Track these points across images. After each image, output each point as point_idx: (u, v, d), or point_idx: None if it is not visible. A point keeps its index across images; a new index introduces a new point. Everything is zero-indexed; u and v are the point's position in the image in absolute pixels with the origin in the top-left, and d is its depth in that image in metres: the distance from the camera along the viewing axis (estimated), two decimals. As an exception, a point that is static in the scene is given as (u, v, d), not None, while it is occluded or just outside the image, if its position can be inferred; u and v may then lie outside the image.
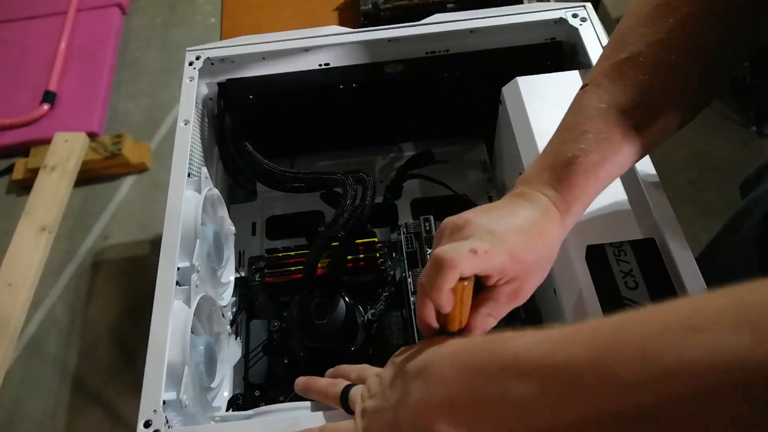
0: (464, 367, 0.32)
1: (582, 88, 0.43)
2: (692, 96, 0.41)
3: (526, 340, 0.29)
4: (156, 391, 0.43)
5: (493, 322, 0.39)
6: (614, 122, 0.40)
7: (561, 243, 0.40)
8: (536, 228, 0.38)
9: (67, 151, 1.39)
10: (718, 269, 0.60)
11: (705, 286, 0.45)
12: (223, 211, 0.64)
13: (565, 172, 0.39)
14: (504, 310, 0.39)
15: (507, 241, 0.36)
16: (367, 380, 0.41)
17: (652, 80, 0.40)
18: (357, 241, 0.62)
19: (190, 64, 0.65)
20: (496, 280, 0.37)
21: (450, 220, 0.39)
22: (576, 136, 0.40)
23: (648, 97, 0.40)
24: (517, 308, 0.57)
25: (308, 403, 0.47)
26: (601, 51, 0.61)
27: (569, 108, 0.43)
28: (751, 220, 0.57)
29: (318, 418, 0.42)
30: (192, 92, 0.63)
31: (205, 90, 0.67)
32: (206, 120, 0.67)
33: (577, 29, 0.64)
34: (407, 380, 0.35)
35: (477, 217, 0.38)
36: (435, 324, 0.38)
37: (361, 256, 0.62)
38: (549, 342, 0.28)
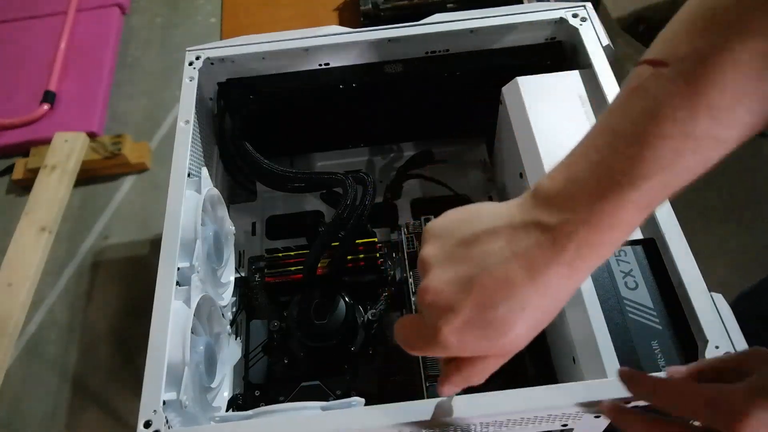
0: None
1: (652, 64, 0.29)
2: None
3: None
4: (156, 391, 0.43)
5: (469, 384, 0.34)
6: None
7: (569, 298, 0.32)
8: (544, 296, 0.30)
9: (67, 151, 1.39)
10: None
11: (705, 286, 0.45)
12: (223, 211, 0.64)
13: (616, 193, 0.29)
14: (486, 375, 0.33)
15: (508, 327, 0.30)
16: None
17: None
18: (357, 241, 0.62)
19: (190, 64, 0.65)
20: None
21: (437, 279, 0.31)
22: (641, 154, 0.28)
23: None
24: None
25: (308, 404, 0.47)
26: (601, 50, 0.61)
27: (629, 94, 0.29)
28: None
29: (318, 418, 0.42)
30: (192, 92, 0.63)
31: (205, 90, 0.67)
32: (206, 120, 0.67)
33: (577, 29, 0.64)
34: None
35: (474, 281, 0.30)
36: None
37: (361, 256, 0.62)
38: None
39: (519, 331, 0.30)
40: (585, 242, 0.29)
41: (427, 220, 0.65)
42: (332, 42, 0.65)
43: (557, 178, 0.31)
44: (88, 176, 1.45)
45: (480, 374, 0.33)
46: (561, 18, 0.65)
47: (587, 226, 0.29)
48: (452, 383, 0.34)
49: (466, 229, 0.32)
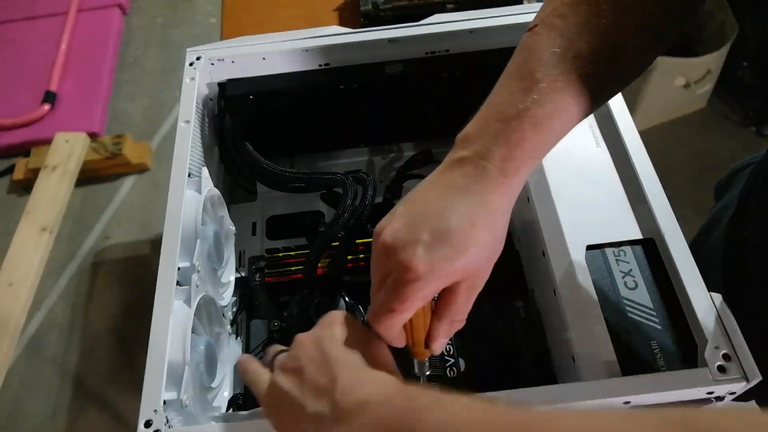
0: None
1: (530, 29, 0.38)
2: (656, 35, 0.37)
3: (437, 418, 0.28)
4: (156, 390, 0.44)
5: (460, 325, 0.38)
6: (570, 68, 0.35)
7: (510, 211, 0.37)
8: (487, 213, 0.35)
9: (67, 151, 1.40)
10: None
11: (705, 287, 0.45)
12: (223, 211, 0.65)
13: (517, 125, 0.35)
14: (466, 308, 0.37)
15: (463, 243, 0.34)
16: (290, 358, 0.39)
17: (613, 18, 0.35)
18: (357, 241, 0.62)
19: (191, 64, 0.65)
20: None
21: (390, 229, 0.36)
22: (527, 86, 0.35)
23: (607, 40, 0.35)
24: (517, 308, 0.57)
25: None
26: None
27: (516, 53, 0.38)
28: (718, 228, 0.56)
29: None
30: (192, 92, 0.63)
31: (205, 90, 0.67)
32: (206, 120, 0.67)
33: (577, 29, 0.64)
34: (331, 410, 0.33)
35: (422, 217, 0.35)
36: (404, 342, 0.38)
37: (361, 256, 0.62)
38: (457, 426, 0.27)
39: (476, 245, 0.34)
40: (502, 158, 0.35)
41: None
42: (332, 42, 0.66)
43: (470, 124, 0.37)
44: (88, 176, 1.46)
45: (460, 308, 0.37)
46: (561, 18, 0.65)
47: (498, 146, 0.35)
48: (440, 333, 0.38)
49: (409, 196, 0.38)
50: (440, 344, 0.38)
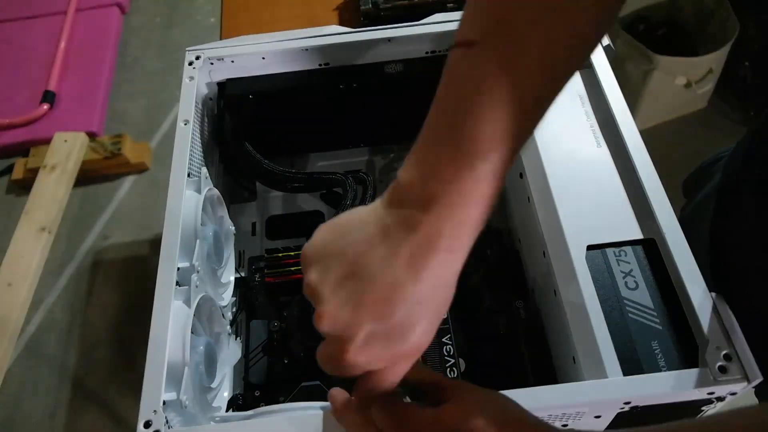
0: None
1: (464, 46, 0.30)
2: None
3: None
4: (156, 391, 0.43)
5: (393, 383, 0.34)
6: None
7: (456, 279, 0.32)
8: (436, 286, 0.31)
9: (66, 151, 1.40)
10: None
11: (705, 287, 0.45)
12: (223, 211, 0.64)
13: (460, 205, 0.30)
14: (404, 370, 0.34)
15: (409, 328, 0.31)
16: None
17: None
18: (357, 241, 0.62)
19: (190, 63, 0.65)
20: None
21: (328, 294, 0.32)
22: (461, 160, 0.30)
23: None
24: (517, 308, 0.57)
25: (308, 404, 0.47)
26: (601, 50, 0.61)
27: (445, 80, 0.31)
28: (700, 227, 0.55)
29: (318, 418, 0.42)
30: (192, 92, 0.63)
31: (204, 90, 0.67)
32: (206, 120, 0.67)
33: (577, 29, 0.64)
34: None
35: (361, 283, 0.31)
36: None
37: (361, 256, 0.62)
38: None
39: (422, 328, 0.31)
40: (455, 223, 0.30)
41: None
42: (332, 42, 0.65)
43: (413, 173, 0.31)
44: (87, 176, 1.45)
45: (395, 377, 0.34)
46: (561, 18, 0.65)
47: (452, 209, 0.30)
48: (371, 392, 0.34)
49: (342, 244, 0.32)
50: (369, 407, 0.35)
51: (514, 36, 0.29)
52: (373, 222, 0.32)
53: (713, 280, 0.46)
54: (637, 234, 0.49)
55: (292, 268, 0.63)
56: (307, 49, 0.66)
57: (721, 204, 0.54)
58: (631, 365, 0.43)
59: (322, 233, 0.34)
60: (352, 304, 0.31)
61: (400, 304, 0.30)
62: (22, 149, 1.50)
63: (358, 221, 0.33)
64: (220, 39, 0.80)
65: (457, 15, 0.66)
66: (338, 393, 0.38)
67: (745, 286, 0.49)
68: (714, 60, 1.31)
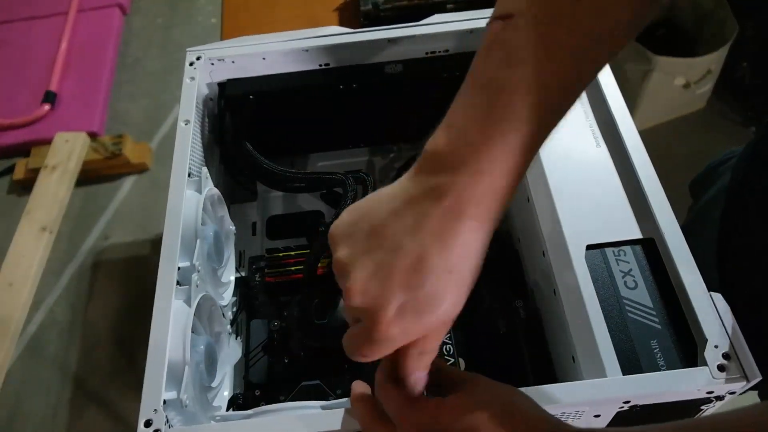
0: None
1: (502, 19, 0.31)
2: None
3: None
4: (156, 390, 0.44)
5: (430, 358, 0.34)
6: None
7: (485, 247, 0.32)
8: (464, 256, 0.30)
9: (67, 151, 1.40)
10: None
11: (704, 286, 0.45)
12: (223, 211, 0.65)
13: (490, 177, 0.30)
14: (437, 341, 0.34)
15: (440, 298, 0.30)
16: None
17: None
18: (357, 241, 0.62)
19: (191, 64, 0.65)
20: None
21: (358, 271, 0.31)
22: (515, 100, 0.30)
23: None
24: (517, 308, 0.57)
25: (308, 403, 0.47)
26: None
27: (484, 52, 0.31)
28: (708, 227, 0.55)
29: (318, 417, 0.42)
30: (192, 92, 0.63)
31: (205, 90, 0.67)
32: (206, 120, 0.67)
33: (576, 29, 0.64)
34: None
35: (390, 255, 0.30)
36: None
37: (361, 256, 0.62)
38: None
39: (452, 297, 0.30)
40: (483, 191, 0.30)
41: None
42: (332, 42, 0.66)
43: (442, 140, 0.31)
44: (88, 176, 1.46)
45: (429, 345, 0.33)
46: (561, 18, 0.65)
47: (481, 176, 0.29)
48: (411, 368, 0.33)
49: (371, 219, 0.32)
50: (416, 379, 0.34)
51: (554, 8, 0.29)
52: (399, 194, 0.32)
53: (720, 281, 0.46)
54: (636, 234, 0.49)
55: (293, 268, 0.63)
56: (307, 50, 0.66)
57: (729, 207, 0.54)
58: (631, 364, 0.43)
59: (349, 212, 0.34)
60: (381, 275, 0.30)
61: (429, 274, 0.30)
62: (24, 149, 1.50)
63: (384, 196, 0.33)
64: (221, 39, 0.80)
65: (456, 15, 0.66)
66: (360, 384, 0.39)
67: (752, 287, 0.49)
68: (713, 61, 1.31)
